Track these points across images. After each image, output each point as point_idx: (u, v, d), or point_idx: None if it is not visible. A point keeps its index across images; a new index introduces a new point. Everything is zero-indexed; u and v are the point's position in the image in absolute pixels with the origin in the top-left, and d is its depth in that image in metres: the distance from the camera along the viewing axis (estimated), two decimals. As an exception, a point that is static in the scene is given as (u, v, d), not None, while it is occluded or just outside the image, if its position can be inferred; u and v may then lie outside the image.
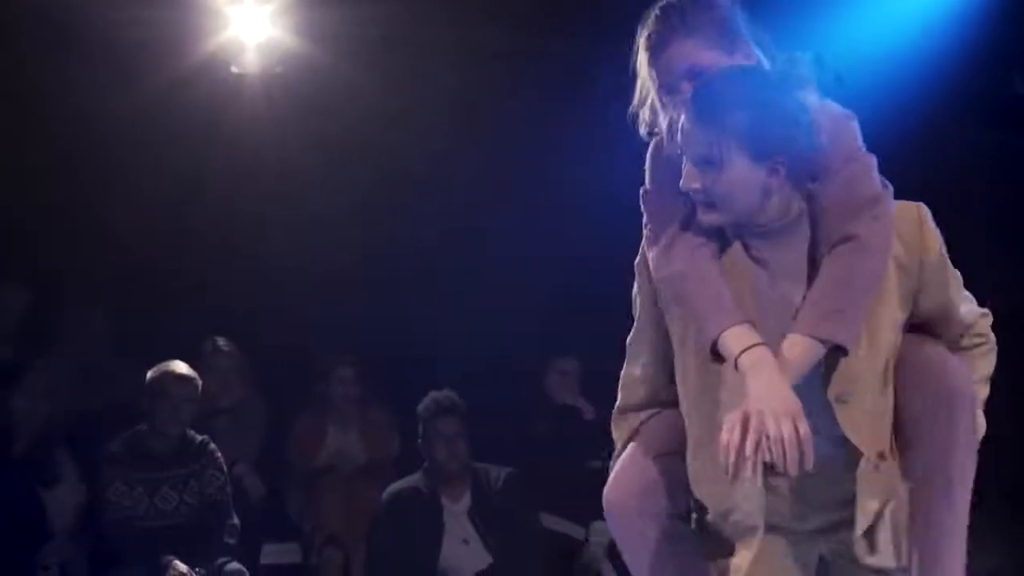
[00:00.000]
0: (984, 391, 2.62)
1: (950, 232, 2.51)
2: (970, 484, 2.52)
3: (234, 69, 6.21)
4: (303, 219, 6.65)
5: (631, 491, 2.60)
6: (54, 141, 6.13)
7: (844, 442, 2.49)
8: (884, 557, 2.53)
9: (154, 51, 5.82)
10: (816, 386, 2.45)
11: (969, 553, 2.57)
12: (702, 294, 2.48)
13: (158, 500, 5.30)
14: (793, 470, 2.32)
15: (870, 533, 2.53)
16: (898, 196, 2.54)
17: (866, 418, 2.48)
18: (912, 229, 2.51)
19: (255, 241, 6.64)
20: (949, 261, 2.58)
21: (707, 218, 2.47)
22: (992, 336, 2.68)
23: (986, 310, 2.69)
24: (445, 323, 6.35)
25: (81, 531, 5.43)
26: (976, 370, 2.63)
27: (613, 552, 4.98)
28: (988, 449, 2.60)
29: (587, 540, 5.71)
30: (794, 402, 2.34)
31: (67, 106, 5.99)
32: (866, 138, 2.55)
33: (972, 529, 2.59)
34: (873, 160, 2.54)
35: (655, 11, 2.54)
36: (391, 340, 6.42)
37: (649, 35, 2.55)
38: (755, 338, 2.41)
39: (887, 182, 2.53)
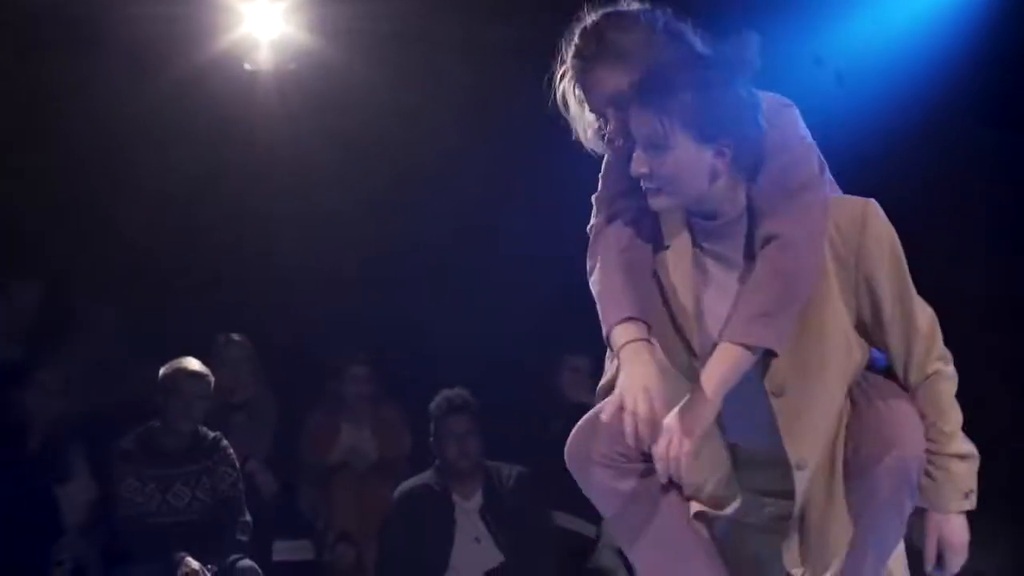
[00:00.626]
0: (957, 413, 2.57)
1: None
2: (891, 545, 2.57)
3: (247, 66, 6.22)
4: (316, 216, 6.65)
5: (581, 438, 2.66)
6: (66, 138, 6.14)
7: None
8: (790, 561, 2.59)
9: (167, 48, 5.83)
10: (755, 378, 2.50)
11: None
12: (604, 287, 2.58)
13: (170, 496, 5.31)
14: (644, 446, 2.45)
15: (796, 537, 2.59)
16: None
17: (797, 414, 2.52)
18: (852, 222, 2.50)
19: (268, 238, 6.64)
20: (905, 264, 2.54)
21: (655, 203, 2.49)
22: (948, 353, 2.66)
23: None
24: (458, 320, 6.33)
25: (93, 527, 5.44)
26: (943, 395, 2.57)
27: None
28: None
29: (599, 538, 5.70)
30: (651, 385, 2.43)
31: (79, 103, 6.01)
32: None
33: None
34: (811, 149, 2.54)
35: (574, 36, 2.57)
36: (404, 338, 6.41)
37: (571, 61, 2.58)
38: (638, 334, 2.51)
39: (823, 173, 2.53)
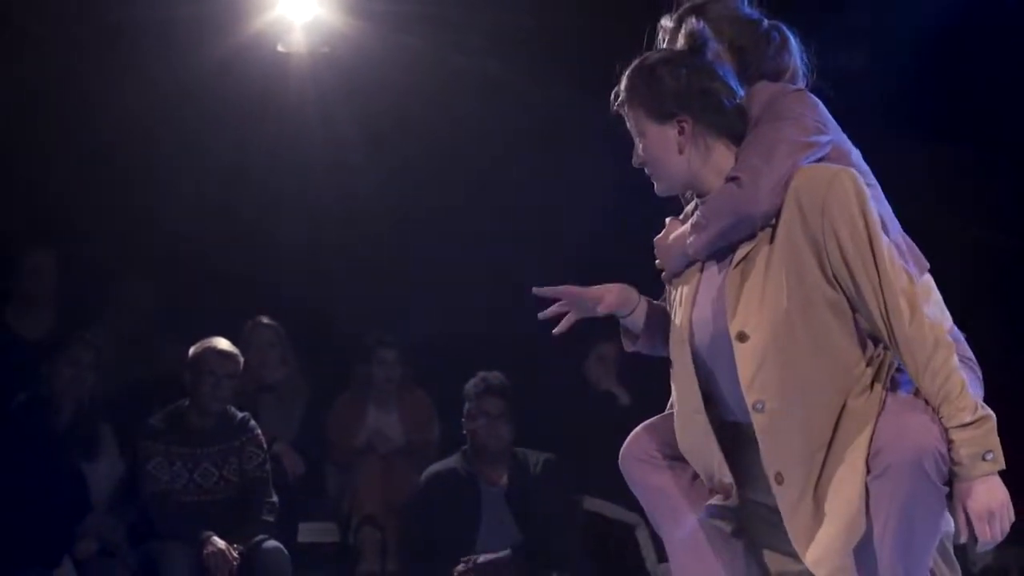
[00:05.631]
0: (950, 383, 2.52)
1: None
2: (922, 544, 2.55)
3: (281, 48, 6.24)
4: (348, 198, 6.66)
5: (629, 442, 2.89)
6: (101, 120, 6.16)
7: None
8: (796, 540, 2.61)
9: (200, 31, 5.85)
10: (723, 332, 2.64)
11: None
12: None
13: (198, 476, 5.33)
14: None
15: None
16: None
17: (755, 355, 2.59)
18: (819, 183, 2.58)
19: (299, 220, 6.65)
20: (876, 226, 2.57)
21: (656, 188, 2.81)
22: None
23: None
24: (488, 306, 6.32)
25: (120, 505, 5.46)
26: (933, 363, 2.53)
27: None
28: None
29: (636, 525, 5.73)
30: None
31: (114, 87, 6.02)
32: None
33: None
34: (797, 123, 2.65)
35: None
36: (434, 322, 6.41)
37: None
38: None
39: (819, 137, 2.66)
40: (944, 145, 6.08)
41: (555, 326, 2.90)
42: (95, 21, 5.86)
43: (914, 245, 2.74)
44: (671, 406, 2.89)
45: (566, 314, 2.88)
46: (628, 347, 2.94)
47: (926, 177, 5.75)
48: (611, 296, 2.85)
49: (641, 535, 5.75)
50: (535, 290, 2.85)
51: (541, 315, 2.87)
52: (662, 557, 5.39)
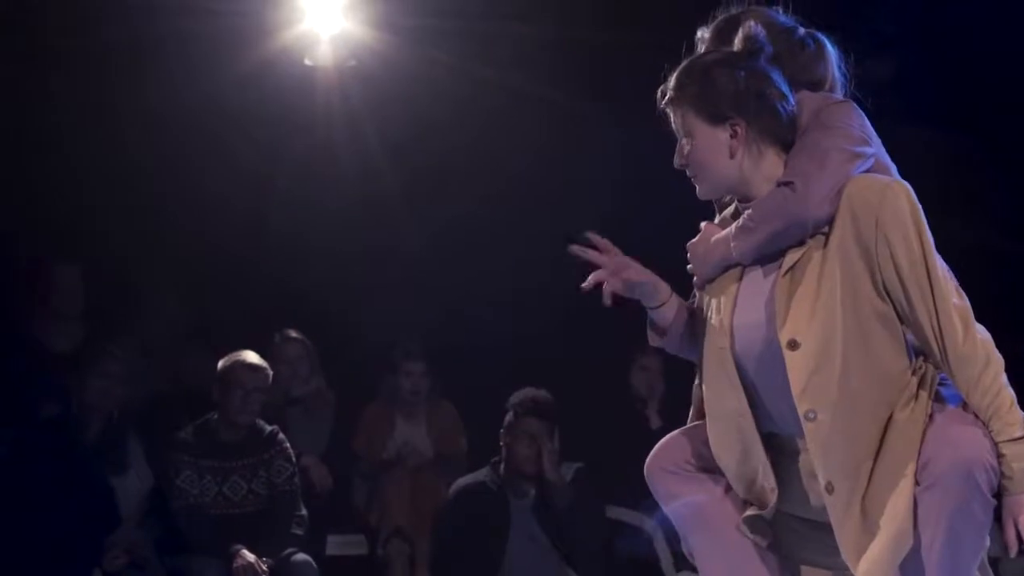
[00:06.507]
0: (999, 398, 2.52)
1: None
2: (968, 558, 2.53)
3: (308, 62, 6.25)
4: (375, 212, 6.66)
5: (656, 453, 2.85)
6: (128, 135, 6.19)
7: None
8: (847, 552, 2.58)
9: (227, 44, 5.86)
10: (771, 340, 2.61)
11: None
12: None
13: (227, 489, 5.33)
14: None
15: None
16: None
17: (806, 364, 2.56)
18: (872, 193, 2.56)
19: (326, 233, 6.65)
20: (937, 262, 2.55)
21: (698, 192, 2.76)
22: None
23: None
24: (515, 317, 6.31)
25: (149, 518, 5.47)
26: (984, 380, 2.53)
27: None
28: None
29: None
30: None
31: (141, 100, 6.04)
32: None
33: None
34: (847, 134, 2.64)
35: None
36: (461, 333, 6.39)
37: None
38: None
39: (865, 148, 2.64)
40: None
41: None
42: (123, 36, 5.88)
43: (945, 264, 2.71)
44: (693, 418, 2.89)
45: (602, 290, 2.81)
46: (653, 341, 2.90)
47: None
48: (646, 273, 2.78)
49: (659, 543, 5.72)
50: (573, 248, 2.79)
51: (583, 285, 2.79)
52: (680, 565, 5.37)
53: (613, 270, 2.76)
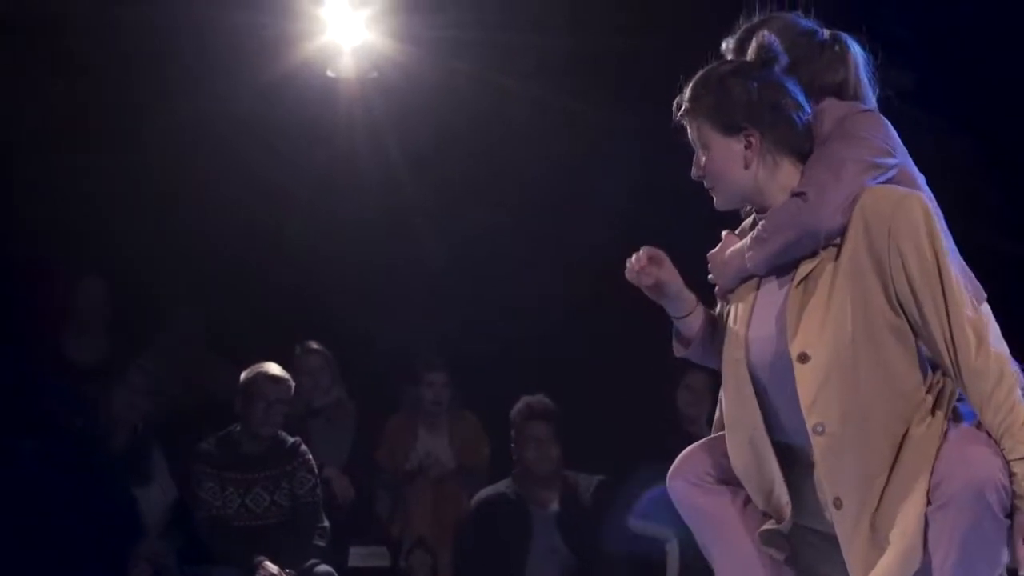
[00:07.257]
0: (1013, 415, 2.49)
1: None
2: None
3: (330, 73, 6.27)
4: (397, 222, 6.67)
5: (678, 464, 2.84)
6: (152, 144, 6.22)
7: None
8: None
9: (250, 56, 5.89)
10: (783, 352, 2.60)
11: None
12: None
13: (249, 500, 5.34)
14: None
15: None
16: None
17: (816, 377, 2.55)
18: (886, 203, 2.55)
19: (349, 244, 6.66)
20: (950, 271, 2.52)
21: (716, 202, 2.75)
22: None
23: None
24: (536, 327, 6.31)
25: (172, 529, 5.49)
26: (996, 396, 2.50)
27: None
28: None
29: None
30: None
31: (164, 113, 6.07)
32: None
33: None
34: (866, 144, 2.62)
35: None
36: (482, 344, 6.39)
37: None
38: None
39: (887, 159, 2.62)
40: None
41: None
42: (145, 48, 5.91)
43: (971, 274, 2.69)
44: (716, 428, 2.87)
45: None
46: (678, 352, 2.88)
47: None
48: (675, 275, 2.76)
49: (671, 551, 5.68)
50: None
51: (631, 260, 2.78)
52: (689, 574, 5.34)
53: (654, 258, 2.76)
